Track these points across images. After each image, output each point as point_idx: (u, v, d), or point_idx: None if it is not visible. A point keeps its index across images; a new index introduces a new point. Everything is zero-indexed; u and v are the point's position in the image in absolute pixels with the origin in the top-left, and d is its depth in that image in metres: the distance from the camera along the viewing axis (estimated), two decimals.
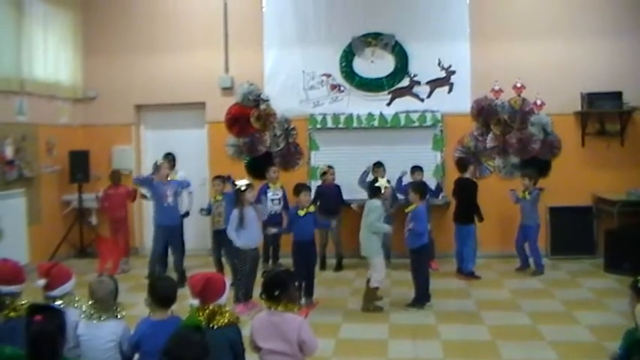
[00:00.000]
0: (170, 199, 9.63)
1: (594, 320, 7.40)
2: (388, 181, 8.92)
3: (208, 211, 9.89)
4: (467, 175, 10.10)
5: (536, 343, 6.79)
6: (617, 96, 10.82)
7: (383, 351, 6.70)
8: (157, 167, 9.81)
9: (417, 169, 10.47)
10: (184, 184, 10.08)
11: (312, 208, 8.60)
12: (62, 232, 11.53)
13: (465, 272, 9.81)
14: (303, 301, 8.33)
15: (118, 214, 10.96)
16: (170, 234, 9.67)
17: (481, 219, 9.97)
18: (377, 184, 8.45)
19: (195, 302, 4.34)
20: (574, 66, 11.06)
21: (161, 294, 4.58)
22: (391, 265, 10.30)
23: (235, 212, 8.21)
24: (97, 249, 11.00)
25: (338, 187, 10.66)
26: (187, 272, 9.19)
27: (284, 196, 10.46)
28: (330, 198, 10.51)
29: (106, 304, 4.60)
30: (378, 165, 10.33)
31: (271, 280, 4.55)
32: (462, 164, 10.33)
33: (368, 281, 8.24)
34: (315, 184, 11.02)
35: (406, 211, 8.49)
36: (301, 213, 8.44)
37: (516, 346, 6.72)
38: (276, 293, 4.49)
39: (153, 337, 4.31)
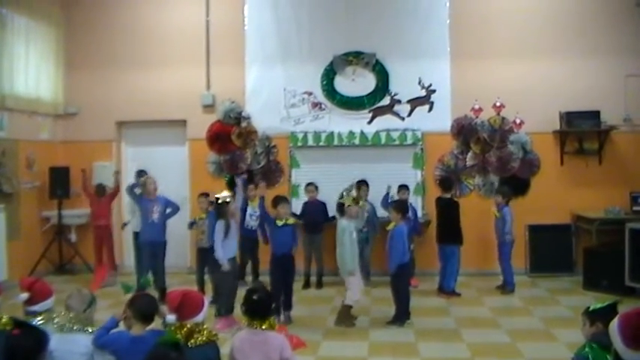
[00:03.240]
0: (156, 216, 9.56)
1: (572, 338, 7.36)
2: (365, 200, 8.95)
3: (191, 224, 10.00)
4: (449, 195, 10.14)
5: None
6: (596, 115, 10.95)
7: None
8: (144, 185, 9.75)
9: (402, 187, 10.52)
10: (173, 208, 9.98)
11: (291, 221, 8.58)
12: (41, 248, 11.42)
13: (447, 290, 9.83)
14: (281, 316, 8.36)
15: (101, 223, 10.92)
16: (153, 250, 9.58)
17: (461, 242, 10.01)
18: (340, 201, 8.49)
19: (172, 317, 4.31)
20: (553, 85, 11.19)
21: (141, 310, 4.55)
22: (371, 283, 10.31)
23: (221, 224, 8.19)
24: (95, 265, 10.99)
25: (324, 204, 10.67)
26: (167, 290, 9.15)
27: (262, 205, 10.55)
28: (313, 215, 10.52)
29: (75, 312, 4.57)
30: (361, 183, 10.33)
31: (264, 299, 4.54)
32: (445, 184, 10.37)
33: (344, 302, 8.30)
34: (295, 201, 11.05)
35: (387, 228, 8.51)
36: (279, 223, 8.42)
37: None
38: (270, 310, 4.54)
39: (131, 352, 4.30)
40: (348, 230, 8.25)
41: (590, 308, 4.25)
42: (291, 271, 8.60)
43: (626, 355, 3.28)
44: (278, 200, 8.66)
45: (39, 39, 11.54)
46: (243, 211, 10.24)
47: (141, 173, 10.47)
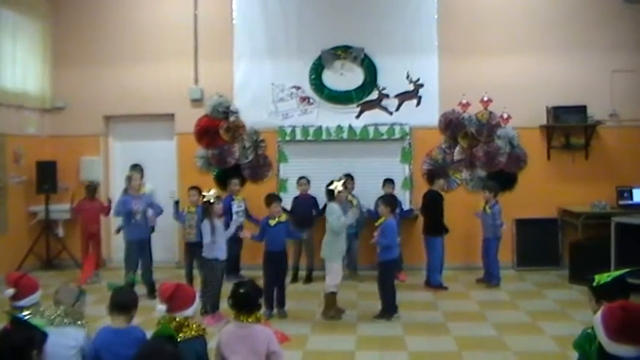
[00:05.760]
0: (139, 216, 9.52)
1: (559, 330, 7.49)
2: (344, 186, 9.01)
3: (180, 216, 9.93)
4: (435, 187, 10.20)
5: (501, 354, 6.87)
6: (582, 110, 11.01)
7: None
8: (129, 180, 9.73)
9: (388, 181, 10.55)
10: (155, 209, 9.93)
11: (283, 218, 8.62)
12: (28, 243, 11.37)
13: (434, 284, 9.89)
14: (275, 311, 8.41)
15: (92, 228, 10.80)
16: (140, 247, 9.57)
17: (446, 231, 10.10)
18: (330, 187, 8.52)
19: (162, 308, 4.32)
20: (540, 80, 11.23)
21: (116, 300, 4.54)
22: (358, 277, 10.35)
23: (207, 224, 8.23)
24: (82, 262, 10.91)
25: (314, 199, 10.68)
26: (156, 284, 9.19)
27: (245, 208, 10.66)
28: (303, 209, 10.55)
29: (65, 306, 4.56)
30: (347, 177, 10.35)
31: (251, 293, 4.56)
32: (429, 176, 10.48)
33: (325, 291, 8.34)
34: (283, 195, 10.99)
35: (376, 224, 8.51)
36: (272, 222, 8.49)
37: (481, 357, 6.81)
38: (257, 304, 4.56)
39: (112, 345, 4.30)
40: (336, 212, 8.31)
41: (595, 282, 3.99)
42: (283, 268, 8.67)
43: (610, 348, 3.31)
44: (270, 199, 8.74)
45: (26, 33, 11.47)
46: (229, 207, 10.32)
47: (136, 167, 10.43)
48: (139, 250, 9.52)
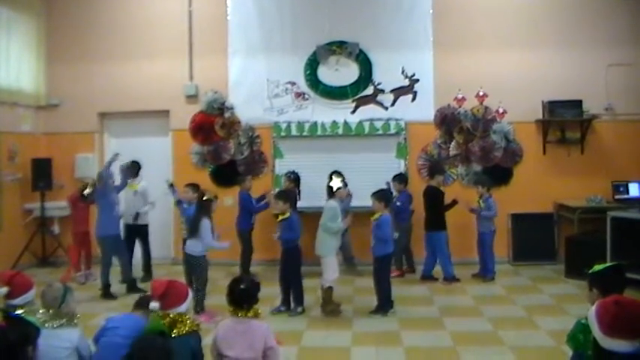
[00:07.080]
0: (118, 207, 9.57)
1: (554, 325, 7.48)
2: (345, 183, 9.07)
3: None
4: (433, 183, 10.22)
5: (496, 348, 6.87)
6: (578, 104, 11.00)
7: (346, 358, 6.71)
8: (119, 165, 9.64)
9: (396, 178, 10.50)
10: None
11: (286, 215, 8.46)
12: (24, 240, 11.36)
13: (448, 277, 9.95)
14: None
15: (82, 228, 10.60)
16: (116, 243, 9.45)
17: (455, 202, 10.19)
18: (330, 184, 8.54)
19: (156, 305, 4.31)
20: (535, 75, 11.22)
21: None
22: (356, 272, 10.36)
23: (207, 223, 8.17)
24: (69, 256, 10.87)
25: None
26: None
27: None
28: None
29: (53, 309, 4.54)
30: (337, 174, 10.30)
31: (250, 288, 4.57)
32: (429, 172, 10.59)
33: (323, 287, 8.34)
34: None
35: (371, 219, 8.46)
36: (280, 218, 8.47)
37: (477, 352, 6.80)
38: (255, 299, 4.57)
39: (119, 328, 4.44)
40: (333, 212, 8.35)
41: (591, 269, 4.13)
42: (284, 265, 8.49)
43: (605, 343, 3.30)
44: (275, 197, 8.78)
45: (20, 30, 11.44)
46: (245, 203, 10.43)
47: (134, 164, 10.33)
48: (115, 245, 9.40)
